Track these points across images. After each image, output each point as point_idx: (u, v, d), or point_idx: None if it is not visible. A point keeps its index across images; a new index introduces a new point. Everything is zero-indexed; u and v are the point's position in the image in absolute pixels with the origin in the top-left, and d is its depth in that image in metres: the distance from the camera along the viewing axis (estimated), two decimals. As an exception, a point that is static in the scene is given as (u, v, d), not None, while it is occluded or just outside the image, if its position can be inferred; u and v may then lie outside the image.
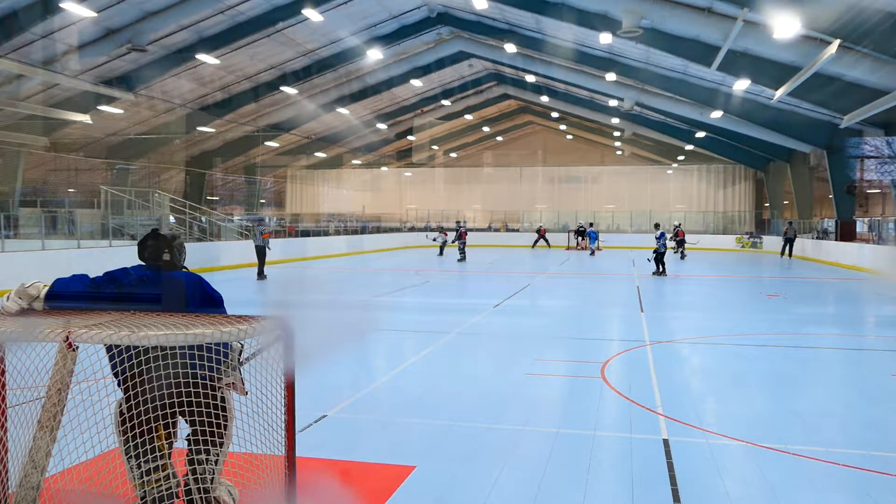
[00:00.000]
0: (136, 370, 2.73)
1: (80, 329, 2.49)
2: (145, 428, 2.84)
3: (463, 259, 23.60)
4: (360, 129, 35.99)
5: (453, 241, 25.13)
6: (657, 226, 19.05)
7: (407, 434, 5.00)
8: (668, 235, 19.65)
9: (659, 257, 18.05)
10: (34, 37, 18.91)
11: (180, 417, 2.98)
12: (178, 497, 3.00)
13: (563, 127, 43.00)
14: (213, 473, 2.96)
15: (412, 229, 38.79)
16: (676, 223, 28.54)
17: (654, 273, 18.09)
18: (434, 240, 26.71)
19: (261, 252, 16.70)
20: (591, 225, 30.77)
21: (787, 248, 26.38)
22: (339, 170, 45.52)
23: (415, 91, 33.04)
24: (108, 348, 2.74)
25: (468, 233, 26.02)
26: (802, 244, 26.84)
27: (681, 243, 26.00)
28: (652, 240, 18.70)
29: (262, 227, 16.70)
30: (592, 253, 28.32)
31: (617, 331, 10.40)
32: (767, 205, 36.33)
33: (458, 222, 28.53)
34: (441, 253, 25.73)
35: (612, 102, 29.97)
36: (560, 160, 42.90)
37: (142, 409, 2.78)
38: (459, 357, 8.09)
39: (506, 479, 4.15)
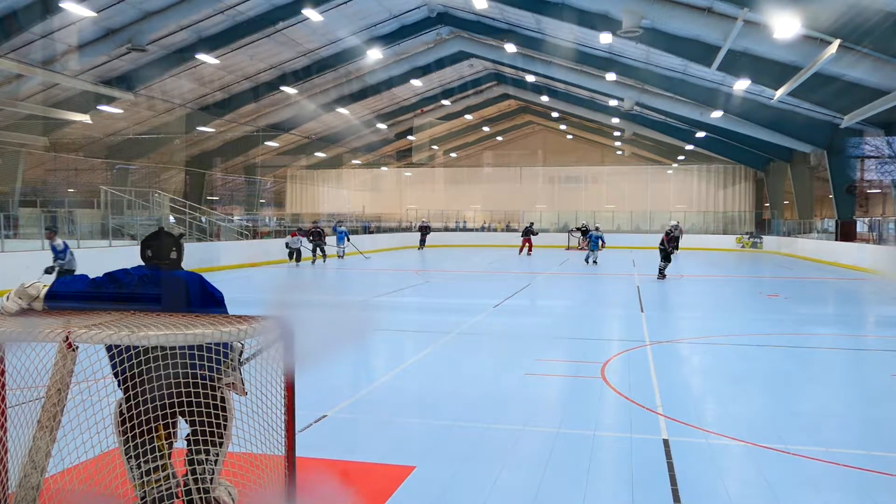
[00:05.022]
0: (136, 370, 2.73)
1: (80, 329, 2.48)
2: (145, 428, 2.84)
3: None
4: (360, 129, 35.94)
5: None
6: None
7: (407, 434, 5.00)
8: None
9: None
10: (34, 37, 18.88)
11: (180, 417, 2.98)
12: (177, 497, 3.00)
13: (563, 127, 42.98)
14: (213, 473, 2.96)
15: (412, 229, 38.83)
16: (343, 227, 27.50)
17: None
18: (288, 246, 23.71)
19: None
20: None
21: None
22: (339, 170, 45.50)
23: (415, 91, 33.01)
24: (108, 348, 2.74)
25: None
26: (803, 244, 26.88)
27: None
28: (649, 240, 18.50)
29: None
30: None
31: (617, 331, 10.40)
32: (768, 205, 36.32)
33: (314, 222, 26.91)
34: (296, 259, 22.90)
35: (612, 102, 29.95)
36: (560, 160, 42.87)
37: (142, 409, 2.78)
38: (459, 357, 8.08)
39: (506, 479, 4.14)
